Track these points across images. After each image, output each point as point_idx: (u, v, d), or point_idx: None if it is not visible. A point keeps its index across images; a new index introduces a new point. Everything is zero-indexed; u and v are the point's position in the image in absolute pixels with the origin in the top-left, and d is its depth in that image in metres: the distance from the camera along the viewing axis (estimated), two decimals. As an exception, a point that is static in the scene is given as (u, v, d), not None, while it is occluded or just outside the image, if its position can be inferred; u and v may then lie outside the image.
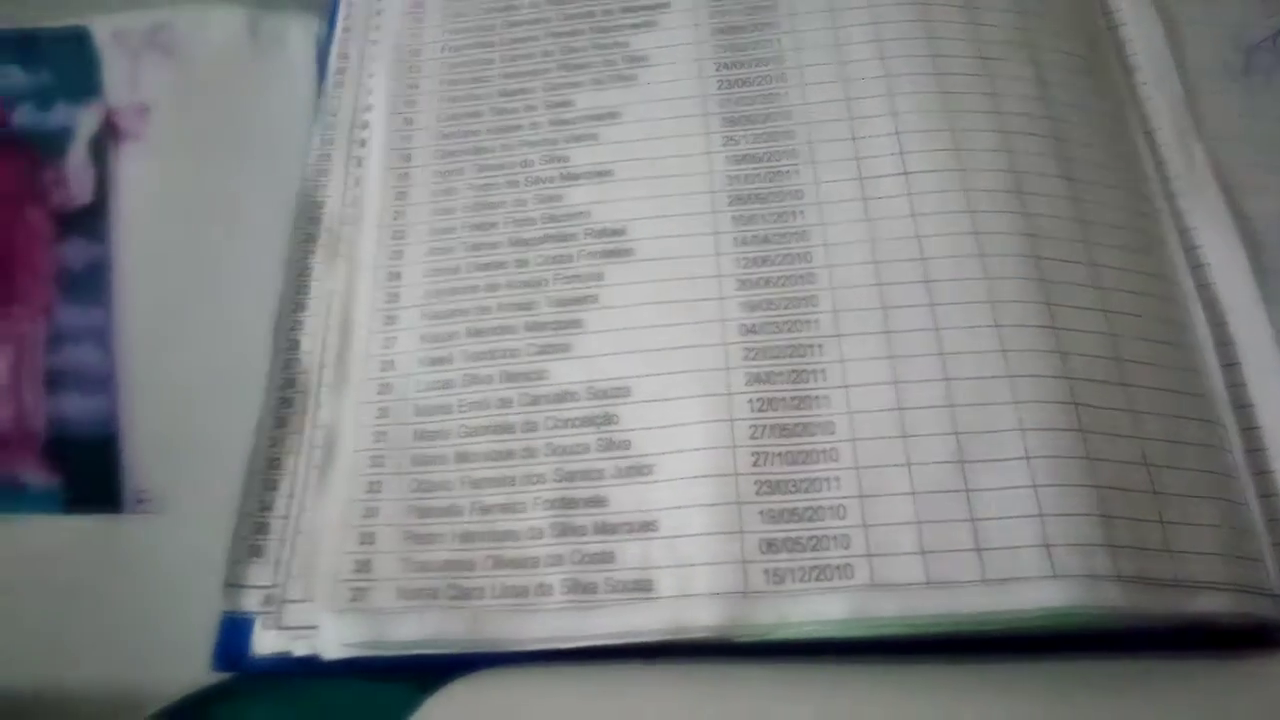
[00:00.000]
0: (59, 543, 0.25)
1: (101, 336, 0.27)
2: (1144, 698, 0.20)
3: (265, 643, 0.22)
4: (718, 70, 0.27)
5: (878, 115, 0.26)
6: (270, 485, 0.24)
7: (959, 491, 0.21)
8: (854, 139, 0.25)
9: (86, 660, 0.23)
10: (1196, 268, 0.24)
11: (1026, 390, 0.21)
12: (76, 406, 0.26)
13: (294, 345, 0.26)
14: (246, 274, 0.27)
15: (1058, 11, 0.28)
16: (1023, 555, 0.20)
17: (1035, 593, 0.20)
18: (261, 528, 0.23)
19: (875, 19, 0.27)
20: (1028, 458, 0.21)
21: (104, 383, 0.26)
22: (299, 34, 0.31)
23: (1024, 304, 0.23)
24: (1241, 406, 0.23)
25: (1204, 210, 0.25)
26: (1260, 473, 0.22)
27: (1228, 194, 0.25)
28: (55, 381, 0.26)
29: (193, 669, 0.22)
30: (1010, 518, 0.20)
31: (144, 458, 0.25)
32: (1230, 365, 0.23)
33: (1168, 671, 0.20)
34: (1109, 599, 0.19)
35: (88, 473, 0.25)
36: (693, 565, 0.21)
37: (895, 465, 0.21)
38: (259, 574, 0.23)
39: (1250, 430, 0.22)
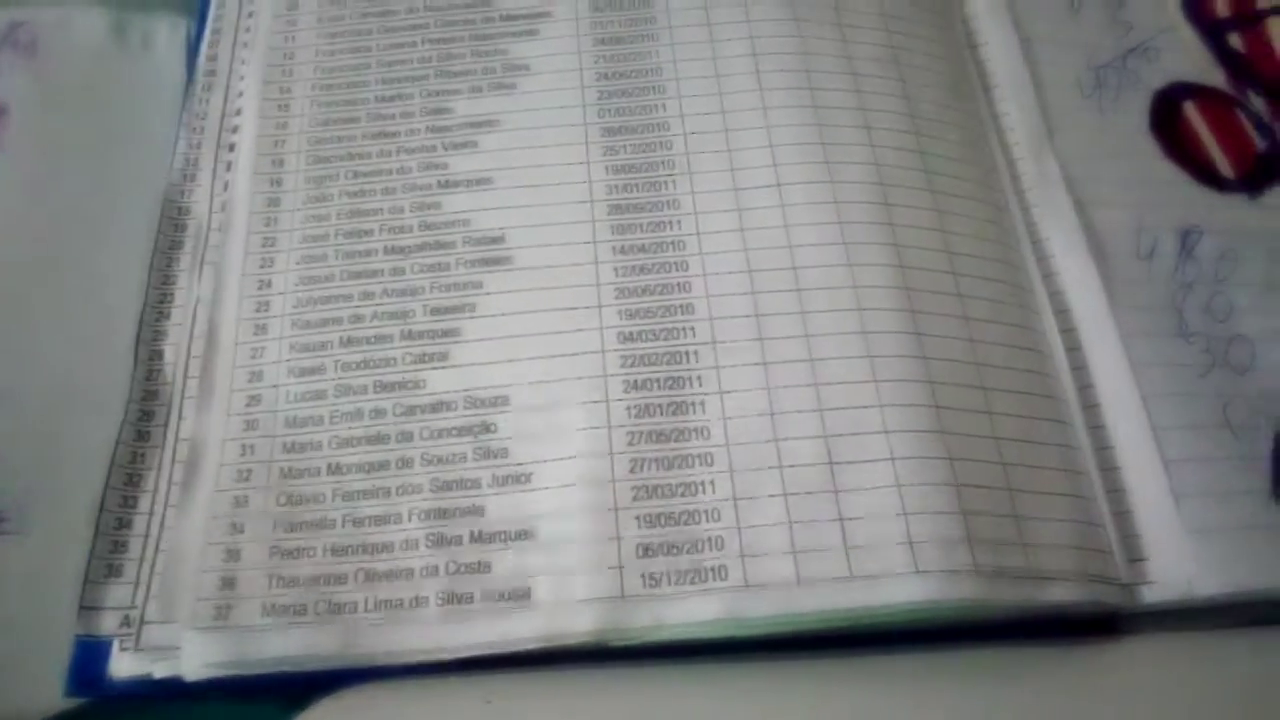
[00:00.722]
0: None
1: None
2: (1001, 683, 0.21)
3: (123, 665, 0.21)
4: (598, 80, 0.28)
5: (753, 128, 0.26)
6: (130, 502, 0.23)
7: (828, 492, 0.21)
8: (730, 150, 0.26)
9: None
10: (1049, 276, 0.26)
11: (891, 394, 0.22)
12: None
13: (157, 355, 0.25)
14: (108, 282, 0.26)
15: (923, 31, 0.29)
16: (888, 552, 0.21)
17: (900, 588, 0.20)
18: (120, 546, 0.22)
19: (751, 34, 0.28)
20: (892, 459, 0.22)
21: None
22: (167, 35, 0.30)
23: (889, 311, 0.23)
24: (1089, 406, 0.24)
25: (1056, 222, 0.26)
26: (1107, 469, 0.23)
27: (1078, 206, 0.26)
28: None
29: (47, 695, 0.21)
30: (876, 517, 0.21)
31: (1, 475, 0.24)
32: (1079, 368, 0.24)
33: (1023, 658, 0.21)
34: (969, 592, 0.20)
35: None
36: (570, 572, 0.21)
37: (768, 468, 0.22)
38: (117, 594, 0.22)
39: (1097, 429, 0.24)
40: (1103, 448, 0.23)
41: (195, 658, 0.20)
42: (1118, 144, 0.28)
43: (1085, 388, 0.24)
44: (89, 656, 0.21)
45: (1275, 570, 0.22)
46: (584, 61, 0.28)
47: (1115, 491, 0.23)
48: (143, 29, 0.30)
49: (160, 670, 0.21)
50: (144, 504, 0.23)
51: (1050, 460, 0.23)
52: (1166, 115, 0.28)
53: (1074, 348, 0.25)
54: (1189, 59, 0.29)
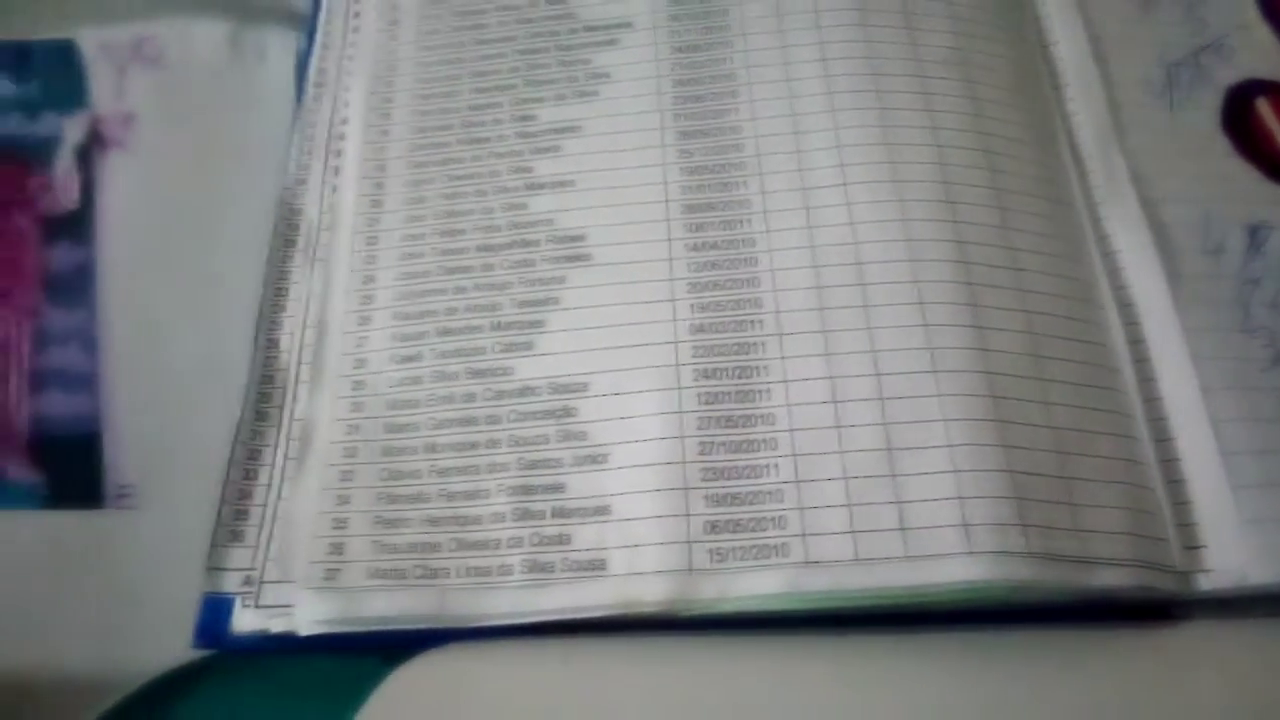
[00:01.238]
0: (40, 537, 0.26)
1: (86, 337, 0.28)
2: (1051, 664, 0.22)
3: (244, 621, 0.23)
4: (674, 86, 0.29)
5: (821, 130, 0.27)
6: (250, 475, 0.25)
7: (886, 476, 0.22)
8: (798, 152, 0.27)
9: (72, 644, 0.25)
10: (1113, 271, 0.26)
11: (949, 384, 0.23)
12: (60, 406, 0.28)
13: (273, 344, 0.27)
14: (226, 277, 0.29)
15: (992, 31, 0.30)
16: (942, 534, 0.22)
17: (953, 568, 0.21)
18: (242, 514, 0.25)
19: (821, 39, 0.29)
20: (950, 445, 0.23)
21: (87, 382, 0.28)
22: (279, 47, 0.33)
23: (950, 305, 0.24)
24: (1150, 400, 0.24)
25: (1122, 219, 0.27)
26: (1167, 460, 0.24)
27: (1145, 204, 0.27)
28: (40, 382, 0.28)
29: (175, 649, 0.24)
30: (932, 500, 0.22)
31: (125, 454, 0.27)
32: (1141, 361, 0.25)
33: (1075, 641, 0.22)
34: (1020, 573, 0.21)
35: (69, 469, 0.27)
36: (642, 546, 0.23)
37: (829, 453, 0.23)
38: (239, 557, 0.24)
39: (1158, 421, 0.24)
40: (1163, 439, 0.24)
41: (307, 615, 0.23)
42: (1187, 141, 0.28)
43: (1147, 380, 0.25)
44: (214, 613, 0.24)
45: (1330, 561, 0.22)
46: (661, 69, 0.29)
47: (1174, 481, 0.23)
48: (257, 41, 0.33)
49: (277, 626, 0.23)
50: (263, 476, 0.25)
51: (1107, 449, 0.23)
52: (1238, 112, 0.28)
53: (1137, 341, 0.25)
54: (1263, 56, 0.29)
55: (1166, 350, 0.25)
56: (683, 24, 0.30)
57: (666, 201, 0.27)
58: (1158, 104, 0.29)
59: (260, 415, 0.26)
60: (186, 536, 0.25)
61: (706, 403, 0.24)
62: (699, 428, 0.24)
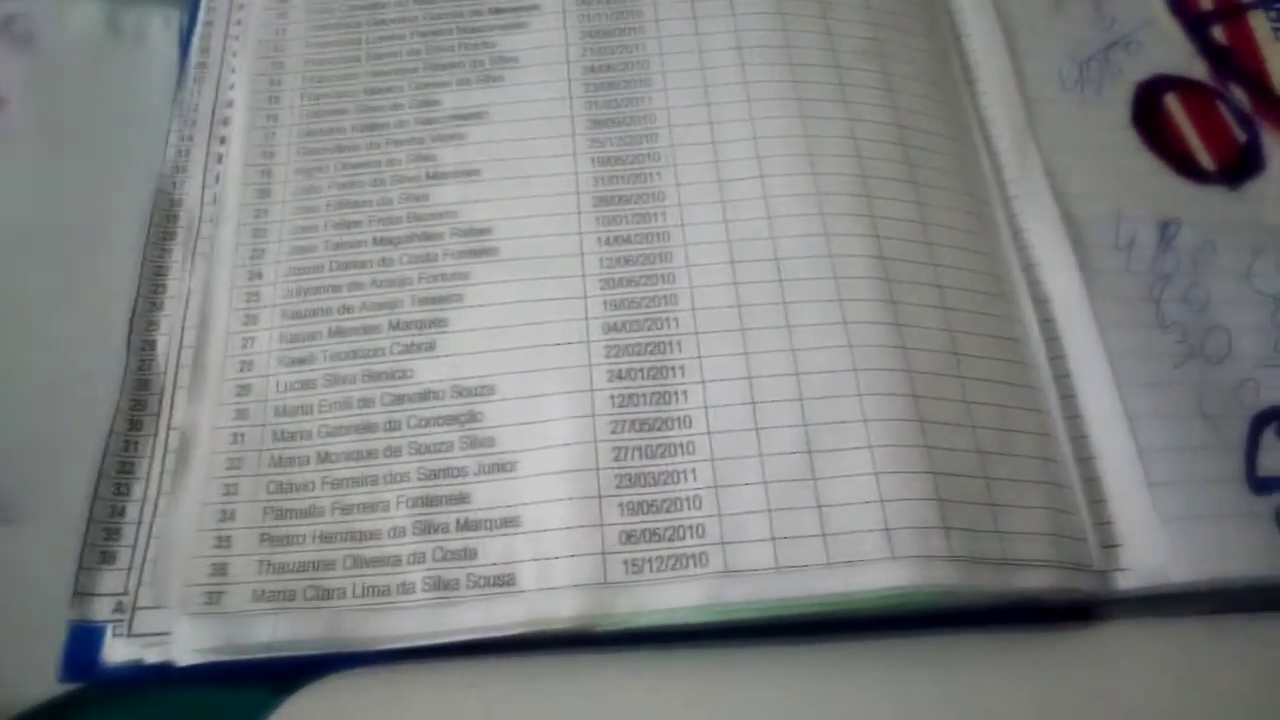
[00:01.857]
0: None
1: None
2: (976, 669, 0.21)
3: (116, 651, 0.21)
4: (585, 73, 0.28)
5: (737, 120, 0.26)
6: (123, 489, 0.23)
7: (807, 480, 0.22)
8: (714, 143, 0.26)
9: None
10: (1028, 266, 0.26)
11: (869, 383, 0.23)
12: None
13: (149, 345, 0.25)
14: (100, 273, 0.27)
15: (907, 24, 0.29)
16: (865, 539, 0.21)
17: (876, 574, 0.21)
18: (113, 533, 0.23)
19: (737, 27, 0.28)
20: (870, 447, 0.22)
21: None
22: (160, 27, 0.31)
23: (869, 302, 0.24)
24: (1066, 397, 0.24)
25: (1036, 213, 0.27)
26: (1083, 459, 0.24)
27: (1059, 197, 0.27)
28: None
29: (40, 682, 0.22)
30: (853, 504, 0.21)
31: None
32: (1057, 358, 0.25)
33: (998, 644, 0.22)
34: (943, 578, 0.21)
35: None
36: (554, 558, 0.21)
37: (748, 456, 0.22)
38: (110, 581, 0.22)
39: (1073, 418, 0.24)
40: (1078, 436, 0.24)
41: (187, 643, 0.21)
42: (1099, 136, 0.28)
43: (1062, 377, 0.24)
44: (83, 642, 0.22)
45: (1248, 558, 0.22)
46: (571, 54, 0.28)
47: (1090, 479, 0.23)
48: (136, 21, 0.31)
49: (152, 655, 0.21)
50: (137, 491, 0.23)
51: (1026, 448, 0.23)
52: (1148, 107, 0.28)
53: (1052, 337, 0.25)
54: (1171, 52, 0.29)
55: (1081, 347, 0.25)
56: (593, 8, 0.29)
57: (578, 193, 0.26)
58: (1070, 99, 0.29)
59: (134, 424, 0.24)
60: (53, 557, 0.23)
61: (620, 405, 0.23)
62: (612, 432, 0.23)
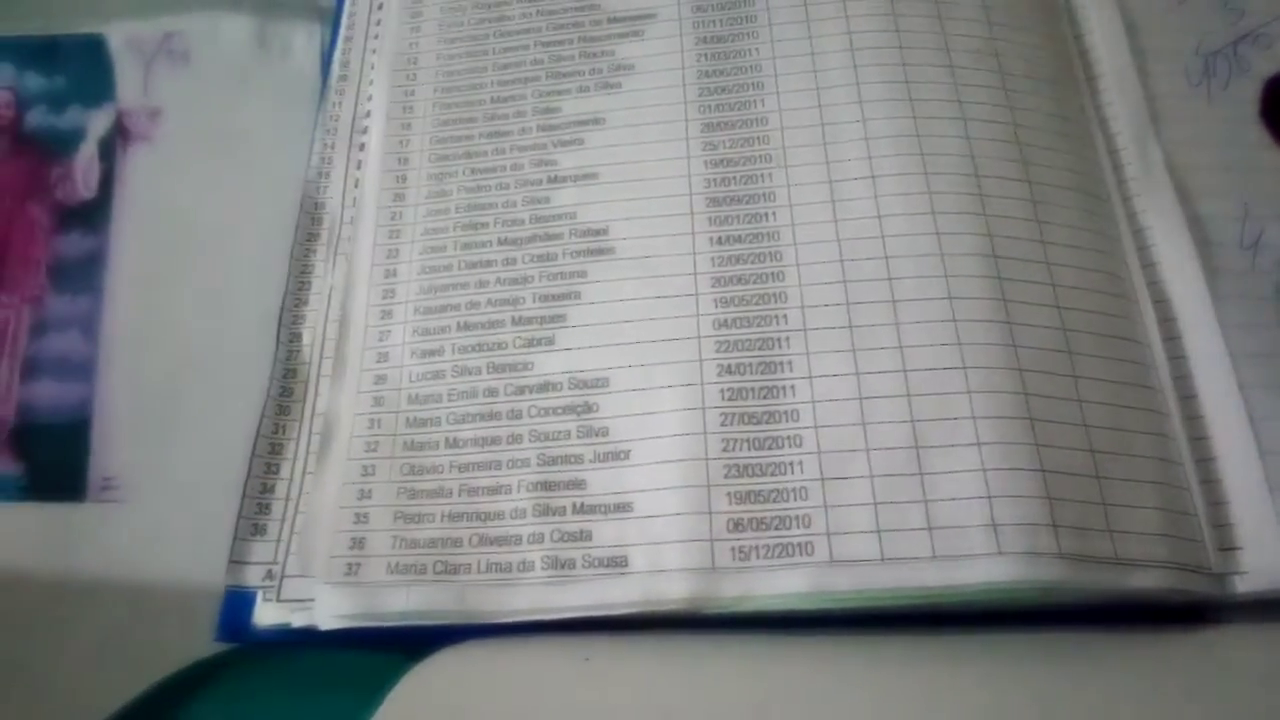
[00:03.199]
0: (16, 529, 0.26)
1: (88, 324, 0.28)
2: (1083, 667, 0.21)
3: (266, 615, 0.24)
4: (699, 78, 0.29)
5: (848, 122, 0.27)
6: (272, 469, 0.26)
7: (913, 475, 0.22)
8: (825, 144, 0.27)
9: (77, 641, 0.25)
10: (1148, 266, 0.26)
11: (978, 381, 0.23)
12: (50, 394, 0.28)
13: (295, 338, 0.27)
14: (245, 269, 0.29)
15: (1025, 22, 0.29)
16: (971, 534, 0.21)
17: (981, 568, 0.21)
18: (264, 508, 0.25)
19: (849, 29, 0.28)
20: (979, 444, 0.22)
21: (84, 370, 0.28)
22: (304, 41, 0.33)
23: (980, 300, 0.24)
24: (1186, 397, 0.24)
25: (1158, 211, 0.26)
26: (1203, 460, 0.23)
27: (1182, 196, 0.26)
28: (33, 369, 0.28)
29: (199, 642, 0.24)
30: (960, 499, 0.22)
31: (112, 445, 0.27)
32: (1177, 358, 0.24)
33: (1107, 643, 0.22)
34: (1050, 574, 0.21)
35: (51, 460, 0.27)
36: (664, 543, 0.22)
37: (855, 450, 0.23)
38: (261, 551, 0.24)
39: (1194, 419, 0.24)
40: (1198, 437, 0.23)
41: (328, 609, 0.23)
42: (1225, 132, 0.27)
43: (1182, 378, 0.24)
44: (237, 606, 0.24)
45: (1373, 564, 0.21)
46: (686, 60, 0.29)
47: (1209, 481, 0.23)
48: (282, 36, 0.33)
49: (298, 620, 0.23)
50: (285, 470, 0.25)
51: (1142, 448, 0.23)
52: (1277, 103, 0.27)
53: (1172, 337, 0.25)
54: (1305, 44, 0.28)
55: (1203, 347, 0.24)
56: (708, 14, 0.30)
57: (690, 194, 0.27)
58: (1195, 95, 0.28)
59: (282, 409, 0.26)
60: (212, 529, 0.25)
61: (730, 399, 0.24)
62: (722, 424, 0.23)
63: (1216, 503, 0.23)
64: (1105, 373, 0.24)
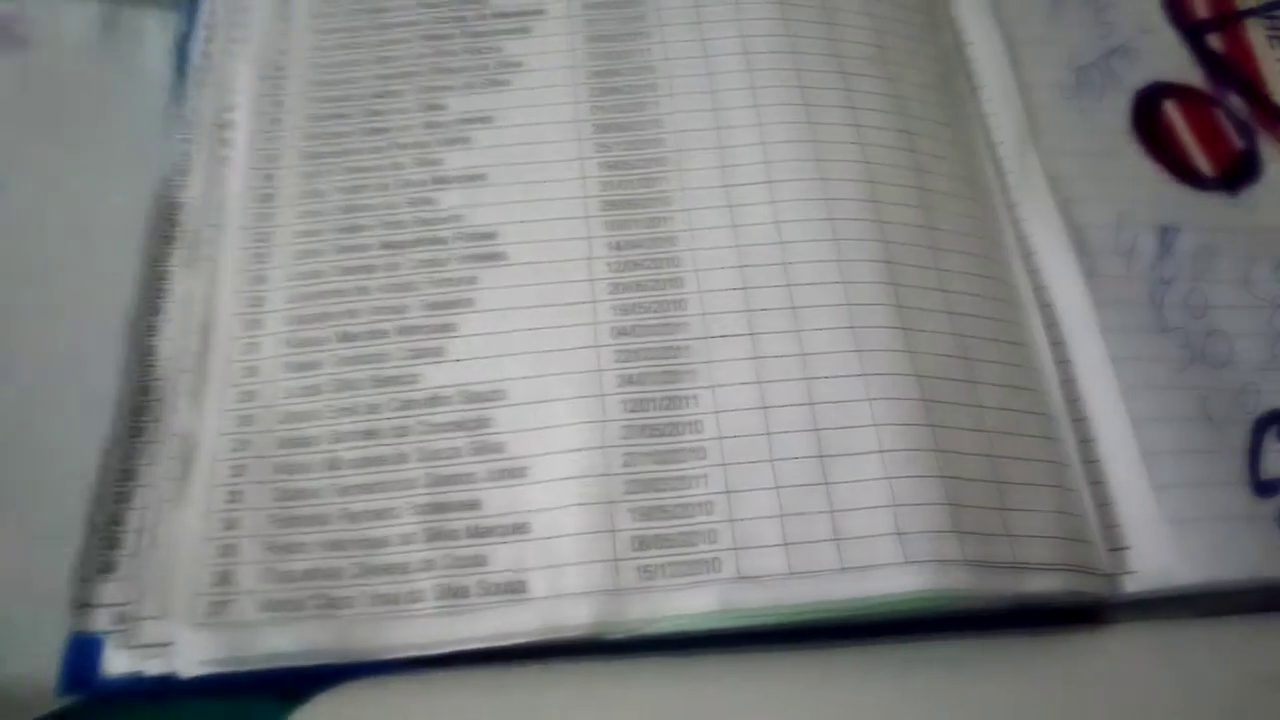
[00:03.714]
0: None
1: None
2: (986, 672, 0.21)
3: (117, 662, 0.21)
4: (590, 78, 0.28)
5: (743, 125, 0.26)
6: (123, 498, 0.23)
7: (819, 485, 0.22)
8: (721, 148, 0.26)
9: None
10: (1033, 272, 0.26)
11: (880, 387, 0.23)
12: None
13: (150, 350, 0.25)
14: (96, 275, 0.26)
15: (912, 31, 0.29)
16: (878, 544, 0.21)
17: (890, 579, 0.21)
18: (113, 542, 0.22)
19: (741, 32, 0.28)
20: (881, 451, 0.22)
21: None
22: (156, 30, 0.30)
23: (878, 306, 0.24)
24: (1073, 400, 0.24)
25: (1040, 219, 0.27)
26: (1090, 462, 0.24)
27: (1061, 204, 0.27)
28: None
29: (40, 694, 0.21)
30: (866, 509, 0.21)
31: None
32: (1063, 362, 0.25)
33: (1006, 648, 0.22)
34: (957, 582, 0.21)
35: None
36: (565, 565, 0.21)
37: (760, 461, 0.22)
38: (111, 591, 0.22)
39: (1080, 421, 0.24)
40: (1086, 440, 0.24)
41: (191, 654, 0.21)
42: (1099, 143, 0.28)
43: (1069, 381, 0.25)
44: (83, 653, 0.21)
45: (1251, 560, 0.22)
46: (577, 59, 0.28)
47: (1098, 483, 0.23)
48: (132, 23, 0.30)
49: (155, 667, 0.21)
50: (138, 499, 0.23)
51: (1035, 453, 0.23)
52: (1147, 115, 0.28)
53: (1058, 342, 0.25)
54: (1169, 59, 0.29)
55: (1086, 351, 0.25)
56: (597, 12, 0.29)
57: (585, 198, 0.26)
58: (1070, 106, 0.29)
59: (134, 430, 0.24)
60: (54, 567, 0.22)
61: (631, 410, 0.23)
62: (623, 437, 0.22)
63: (1105, 504, 0.23)
64: (998, 377, 0.24)
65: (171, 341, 0.25)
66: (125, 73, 0.30)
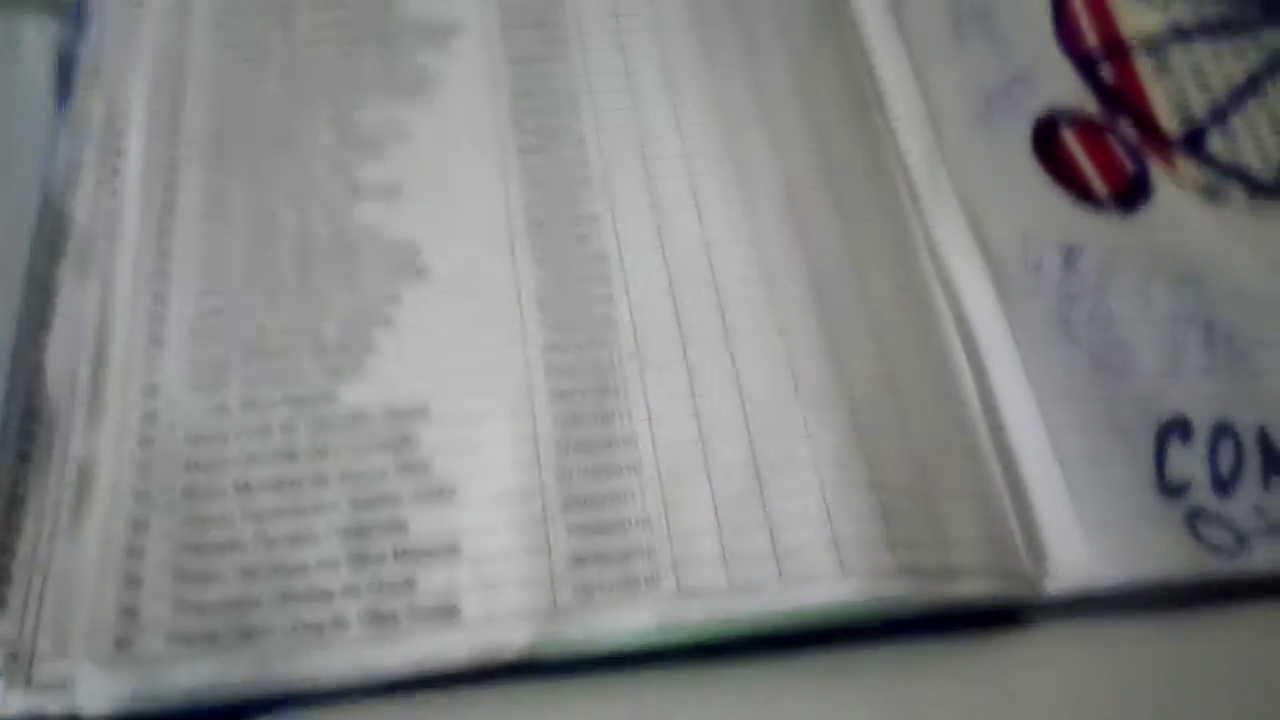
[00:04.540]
0: None
1: None
2: (917, 679, 0.22)
3: (11, 704, 0.19)
4: (513, 98, 0.27)
5: (669, 148, 0.27)
6: (12, 527, 0.21)
7: (755, 497, 0.22)
8: (646, 170, 0.26)
9: None
10: (948, 287, 0.27)
11: (811, 399, 0.23)
12: None
13: (38, 370, 0.23)
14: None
15: (824, 56, 0.30)
16: (815, 555, 0.21)
17: (827, 589, 0.21)
18: (2, 575, 0.21)
19: (664, 56, 0.28)
20: (816, 463, 0.22)
21: None
22: (33, 36, 0.29)
23: (806, 319, 0.24)
24: (991, 409, 0.25)
25: (952, 237, 0.27)
26: (1009, 468, 0.24)
27: (972, 223, 0.28)
28: None
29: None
30: (802, 520, 0.21)
31: None
32: (980, 374, 0.25)
33: (936, 654, 0.22)
34: (892, 590, 0.21)
35: None
36: (500, 586, 0.21)
37: (695, 475, 0.22)
38: (1, 627, 0.20)
39: (998, 430, 0.25)
40: (1004, 447, 0.25)
41: (95, 693, 0.19)
42: (1004, 165, 0.29)
43: (986, 391, 0.25)
44: (-33, 698, 0.19)
45: (1163, 560, 0.23)
46: (497, 78, 0.28)
47: (1017, 489, 0.24)
48: (7, 31, 0.29)
49: (55, 707, 0.19)
50: (29, 528, 0.21)
51: (958, 460, 0.24)
52: (1046, 140, 0.30)
53: (974, 353, 0.26)
54: (1065, 88, 0.31)
55: (1000, 362, 0.26)
56: (517, 33, 0.29)
57: (508, 214, 0.25)
58: (976, 130, 0.30)
59: (22, 456, 0.22)
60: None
61: (563, 426, 0.22)
62: (557, 453, 0.22)
63: (1025, 508, 0.24)
64: (921, 390, 0.24)
65: (61, 361, 0.23)
66: (2, 82, 0.28)
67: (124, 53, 0.28)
